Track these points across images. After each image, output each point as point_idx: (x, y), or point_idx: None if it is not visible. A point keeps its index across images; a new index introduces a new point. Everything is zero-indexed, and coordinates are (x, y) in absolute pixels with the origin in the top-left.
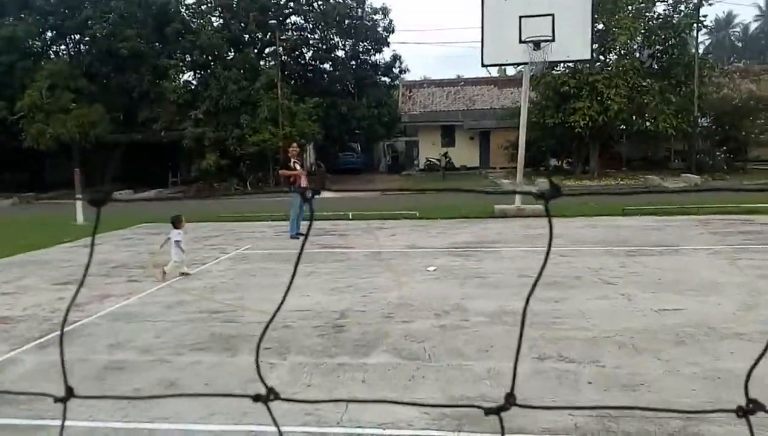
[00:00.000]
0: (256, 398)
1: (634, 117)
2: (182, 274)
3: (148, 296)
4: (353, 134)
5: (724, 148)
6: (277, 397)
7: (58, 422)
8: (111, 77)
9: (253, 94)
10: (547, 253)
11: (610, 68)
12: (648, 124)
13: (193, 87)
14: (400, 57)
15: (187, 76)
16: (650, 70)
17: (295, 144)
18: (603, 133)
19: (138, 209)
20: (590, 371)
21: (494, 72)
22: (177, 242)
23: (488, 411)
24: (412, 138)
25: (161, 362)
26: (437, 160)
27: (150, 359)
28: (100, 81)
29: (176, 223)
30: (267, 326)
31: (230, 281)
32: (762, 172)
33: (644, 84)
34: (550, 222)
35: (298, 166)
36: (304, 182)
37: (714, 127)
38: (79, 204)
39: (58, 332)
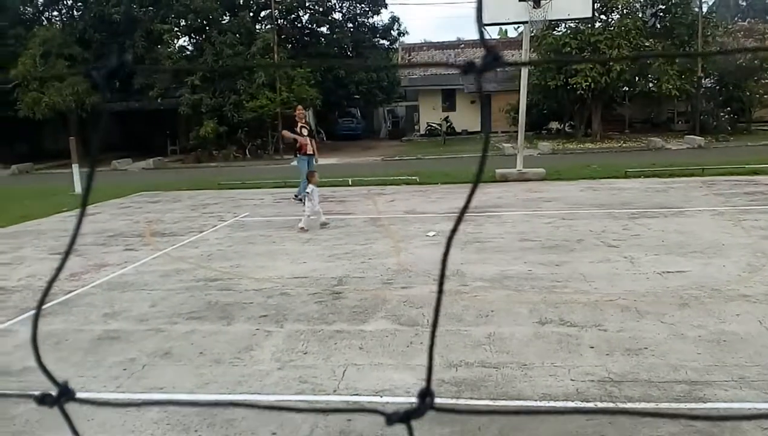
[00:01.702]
0: (41, 399)
1: (636, 78)
2: (322, 224)
3: (144, 265)
4: (352, 99)
5: (728, 109)
6: (71, 398)
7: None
8: (105, 44)
9: (249, 59)
10: (485, 150)
11: (612, 28)
12: (651, 85)
13: (188, 53)
14: (398, 19)
15: (182, 41)
16: (653, 29)
17: (301, 106)
18: (605, 95)
19: (137, 177)
20: (592, 335)
21: (494, 33)
22: (307, 192)
23: (391, 419)
24: (413, 103)
25: (156, 331)
26: (438, 124)
27: (145, 328)
28: (94, 48)
29: (309, 177)
30: None
31: (228, 248)
32: (766, 133)
33: (647, 44)
34: (483, 98)
35: (305, 131)
36: (309, 149)
37: (718, 87)
38: (76, 173)
39: (54, 302)
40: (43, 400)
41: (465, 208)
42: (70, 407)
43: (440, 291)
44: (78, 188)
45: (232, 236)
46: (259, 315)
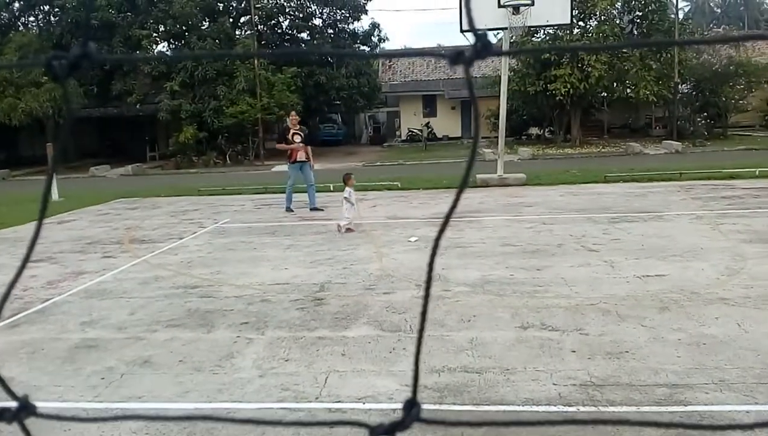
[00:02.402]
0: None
1: (614, 84)
2: (347, 229)
3: (123, 273)
4: (333, 105)
5: (705, 114)
6: (32, 413)
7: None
8: None
9: (229, 65)
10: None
11: (590, 35)
12: (629, 91)
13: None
14: (378, 25)
15: (161, 46)
16: (630, 36)
17: (294, 113)
18: (584, 100)
19: (116, 184)
20: (574, 339)
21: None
22: (345, 198)
23: (375, 432)
24: (393, 108)
25: (135, 339)
26: (419, 130)
27: (123, 336)
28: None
29: (346, 180)
30: None
31: (208, 255)
32: (741, 139)
33: (625, 50)
34: (471, 90)
35: (297, 139)
36: (302, 156)
37: (694, 93)
38: (54, 180)
39: (30, 311)
40: (1, 415)
41: (451, 213)
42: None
43: (427, 296)
44: (55, 195)
45: (213, 242)
46: (240, 322)
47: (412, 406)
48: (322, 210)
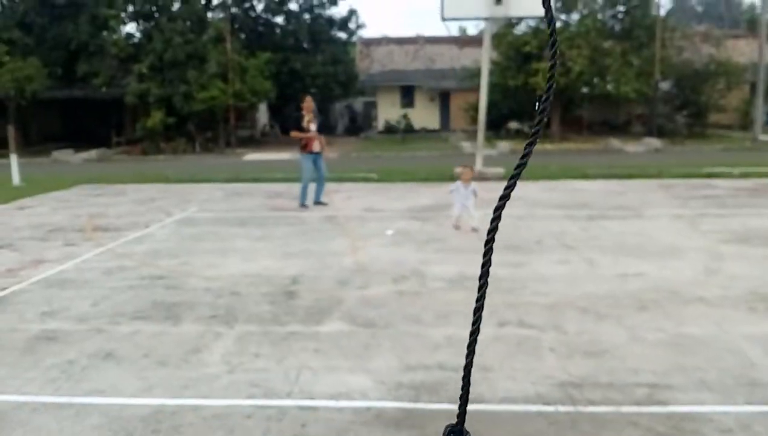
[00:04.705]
0: None
1: (595, 80)
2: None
3: (85, 262)
4: (308, 93)
5: (685, 112)
6: None
7: None
8: (47, 28)
9: (200, 48)
10: None
11: (572, 29)
12: (609, 87)
13: (136, 40)
14: (356, 11)
15: (129, 27)
16: (612, 31)
17: (309, 97)
18: (564, 96)
19: (79, 169)
20: (552, 337)
21: (454, 30)
22: (473, 191)
23: None
24: (370, 98)
25: (98, 331)
26: (396, 122)
27: (85, 328)
28: (36, 32)
29: (464, 174)
30: None
31: (175, 245)
32: (720, 138)
33: (606, 46)
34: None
35: (312, 126)
36: (316, 146)
37: (675, 91)
38: (14, 164)
39: None
40: None
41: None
42: (3, 411)
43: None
44: (16, 180)
45: (180, 232)
46: (208, 315)
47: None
48: (327, 204)
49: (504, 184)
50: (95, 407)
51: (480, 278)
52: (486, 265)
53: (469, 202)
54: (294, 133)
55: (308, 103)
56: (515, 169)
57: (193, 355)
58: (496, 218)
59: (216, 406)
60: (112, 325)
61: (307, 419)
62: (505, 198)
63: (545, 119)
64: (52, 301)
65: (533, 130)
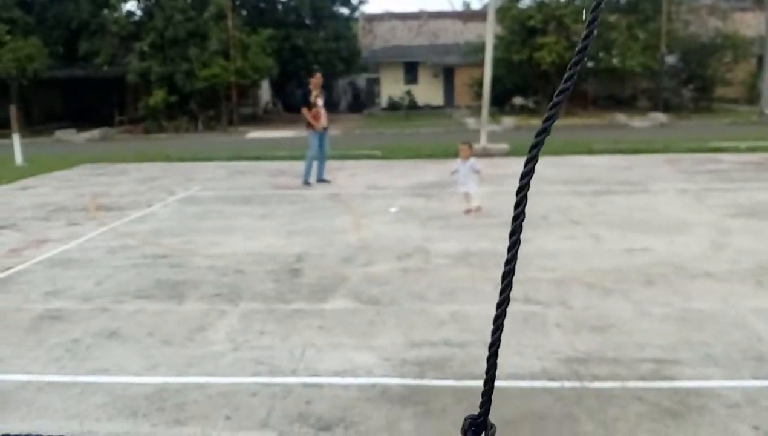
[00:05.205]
0: None
1: (601, 54)
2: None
3: (89, 241)
4: (311, 70)
5: (691, 86)
6: None
7: None
8: (47, 7)
9: (201, 25)
10: None
11: (577, 2)
12: (615, 61)
13: (136, 18)
14: None
15: (130, 5)
16: (618, 4)
17: (319, 73)
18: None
19: (82, 149)
20: (558, 312)
21: (458, 5)
22: (476, 170)
23: None
24: (373, 75)
25: (102, 310)
26: (400, 98)
27: (90, 307)
28: (36, 11)
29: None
30: None
31: (178, 224)
32: (727, 112)
33: (612, 19)
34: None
35: (320, 101)
36: (323, 121)
37: (681, 65)
38: (17, 144)
39: None
40: None
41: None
42: (8, 391)
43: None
44: (19, 160)
45: (183, 210)
46: (213, 294)
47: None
48: (330, 182)
49: (509, 160)
50: (99, 385)
51: (506, 265)
52: (512, 257)
53: (468, 179)
54: (305, 111)
55: (317, 79)
56: (532, 148)
57: (198, 333)
58: (521, 202)
59: (221, 384)
60: (116, 304)
61: (312, 396)
62: (527, 175)
63: (568, 90)
64: (56, 280)
65: (553, 102)
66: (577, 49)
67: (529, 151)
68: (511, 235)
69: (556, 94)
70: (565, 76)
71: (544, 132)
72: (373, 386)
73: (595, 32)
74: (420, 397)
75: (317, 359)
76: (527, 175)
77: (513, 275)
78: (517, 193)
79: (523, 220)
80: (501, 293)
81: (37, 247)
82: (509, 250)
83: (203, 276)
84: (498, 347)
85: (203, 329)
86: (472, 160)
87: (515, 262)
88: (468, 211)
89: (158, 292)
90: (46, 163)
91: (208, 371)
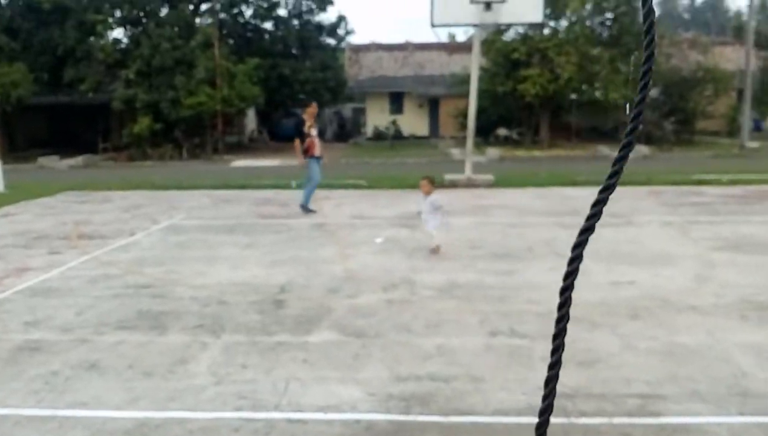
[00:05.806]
0: None
1: (584, 86)
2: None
3: (70, 270)
4: (297, 99)
5: (673, 119)
6: None
7: None
8: (33, 33)
9: (188, 54)
10: None
11: (560, 35)
12: (598, 93)
13: (123, 45)
14: (345, 17)
15: (117, 33)
16: (600, 38)
17: (315, 103)
18: (553, 102)
19: (65, 176)
20: (544, 347)
21: (444, 37)
22: (437, 207)
23: None
24: (359, 105)
25: (82, 341)
26: (386, 128)
27: (70, 338)
28: (22, 37)
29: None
30: None
31: (161, 253)
32: (708, 145)
33: (594, 52)
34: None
35: (313, 131)
36: (318, 150)
37: (662, 98)
38: (0, 171)
39: None
40: None
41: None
42: None
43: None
44: (1, 186)
45: (167, 239)
46: (195, 325)
47: None
48: (315, 211)
49: (494, 191)
50: (78, 419)
51: (559, 306)
52: (567, 291)
53: (429, 216)
54: (297, 143)
55: (313, 109)
56: (609, 177)
57: (180, 366)
58: (587, 230)
59: (203, 419)
60: (97, 335)
61: (296, 432)
62: (600, 203)
63: (639, 125)
64: (36, 310)
65: (629, 129)
66: (639, 86)
67: (600, 193)
68: (566, 279)
69: (626, 133)
70: (632, 114)
71: (616, 174)
72: (358, 421)
73: (654, 57)
74: (406, 433)
75: (301, 394)
76: (593, 217)
77: (568, 306)
78: (587, 220)
79: (581, 254)
80: (555, 338)
81: (18, 275)
82: (563, 292)
83: (186, 307)
84: (554, 389)
85: (185, 362)
86: (434, 196)
87: (570, 301)
88: (433, 251)
89: (140, 323)
90: (29, 190)
91: (190, 405)
